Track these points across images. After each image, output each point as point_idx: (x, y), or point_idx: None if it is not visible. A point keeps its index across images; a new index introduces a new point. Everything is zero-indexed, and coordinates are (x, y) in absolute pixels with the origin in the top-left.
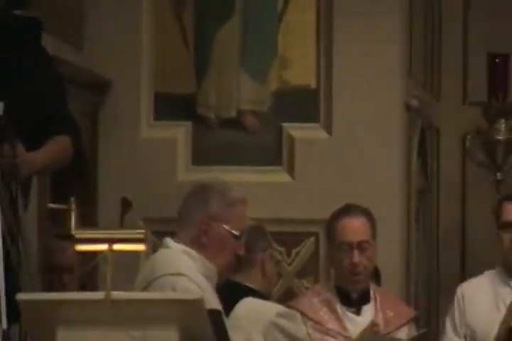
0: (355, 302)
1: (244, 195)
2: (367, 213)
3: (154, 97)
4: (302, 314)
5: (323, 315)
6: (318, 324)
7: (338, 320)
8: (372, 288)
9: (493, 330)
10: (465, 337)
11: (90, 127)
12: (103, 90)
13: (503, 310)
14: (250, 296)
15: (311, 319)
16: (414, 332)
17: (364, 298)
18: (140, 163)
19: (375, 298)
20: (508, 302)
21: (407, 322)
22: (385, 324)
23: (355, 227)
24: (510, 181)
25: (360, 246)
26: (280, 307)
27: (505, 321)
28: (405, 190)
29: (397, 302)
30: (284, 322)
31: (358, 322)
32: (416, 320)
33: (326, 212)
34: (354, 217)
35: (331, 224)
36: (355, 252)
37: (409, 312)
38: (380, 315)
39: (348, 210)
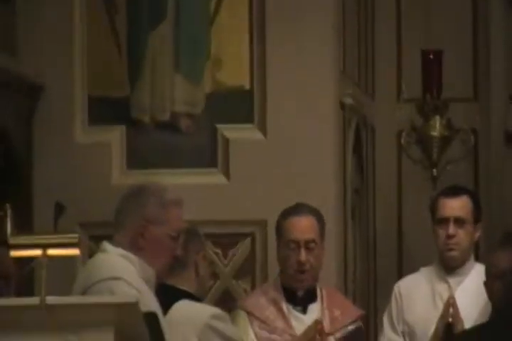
0: (301, 300)
1: (179, 196)
2: (316, 213)
3: (88, 101)
4: (249, 313)
5: (269, 314)
6: (264, 323)
7: (284, 318)
8: (320, 287)
9: (431, 327)
10: (403, 334)
11: (24, 132)
12: (36, 94)
13: (441, 306)
14: (184, 299)
15: (257, 318)
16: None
17: (311, 297)
18: (75, 167)
19: (322, 297)
20: (445, 298)
21: (354, 321)
22: (331, 322)
23: (303, 226)
24: (445, 178)
25: (308, 244)
26: (214, 309)
27: (442, 317)
28: (341, 188)
29: (345, 301)
30: (219, 325)
31: (304, 320)
32: (364, 319)
33: (262, 213)
34: (303, 215)
35: (279, 222)
36: (302, 250)
37: (357, 312)
38: (326, 313)
39: (297, 209)
